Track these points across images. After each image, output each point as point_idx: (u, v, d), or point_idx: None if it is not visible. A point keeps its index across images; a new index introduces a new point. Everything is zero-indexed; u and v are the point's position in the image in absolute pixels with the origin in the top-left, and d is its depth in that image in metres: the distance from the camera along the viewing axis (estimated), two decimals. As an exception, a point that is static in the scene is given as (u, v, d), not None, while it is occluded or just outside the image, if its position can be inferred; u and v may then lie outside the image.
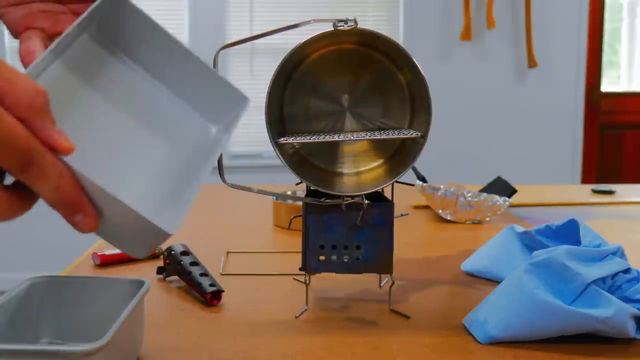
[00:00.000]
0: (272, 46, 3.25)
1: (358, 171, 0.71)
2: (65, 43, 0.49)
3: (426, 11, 3.33)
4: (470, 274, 0.85)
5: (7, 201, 0.39)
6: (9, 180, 0.39)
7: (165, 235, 0.43)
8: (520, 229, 0.83)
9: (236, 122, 0.56)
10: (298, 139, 0.65)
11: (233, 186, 0.64)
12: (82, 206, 0.41)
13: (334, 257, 0.68)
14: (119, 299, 0.59)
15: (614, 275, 0.64)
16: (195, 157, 0.56)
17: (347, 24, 0.63)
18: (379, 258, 0.68)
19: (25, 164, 0.37)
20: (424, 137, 0.65)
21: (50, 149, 0.38)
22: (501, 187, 1.36)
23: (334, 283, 0.81)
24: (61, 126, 0.39)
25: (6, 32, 3.08)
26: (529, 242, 0.81)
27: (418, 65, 0.64)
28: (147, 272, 0.85)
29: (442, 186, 1.20)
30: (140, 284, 0.58)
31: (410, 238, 1.07)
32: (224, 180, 0.64)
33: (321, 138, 0.65)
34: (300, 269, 0.69)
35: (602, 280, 0.63)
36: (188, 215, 1.37)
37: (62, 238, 3.31)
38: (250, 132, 3.34)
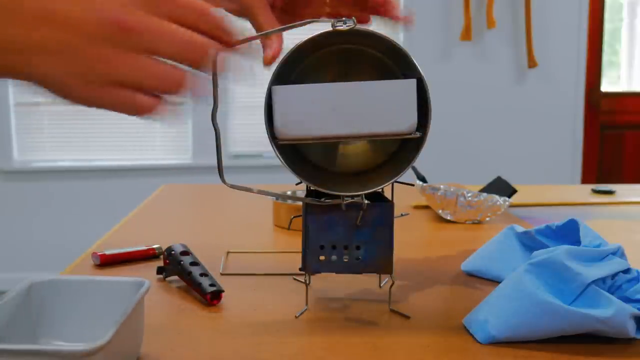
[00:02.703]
0: (272, 46, 3.24)
1: (358, 171, 0.71)
2: None
3: (426, 11, 3.33)
4: (470, 274, 0.85)
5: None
6: None
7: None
8: (520, 229, 0.83)
9: None
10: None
11: (233, 186, 0.64)
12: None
13: (334, 257, 0.68)
14: (119, 299, 0.59)
15: (614, 275, 0.64)
16: None
17: (345, 23, 0.63)
18: (379, 258, 0.68)
19: None
20: (423, 137, 0.65)
21: None
22: (501, 187, 1.36)
23: (334, 283, 0.81)
24: None
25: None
26: (529, 242, 0.81)
27: (417, 66, 0.64)
28: (147, 272, 0.85)
29: (442, 186, 1.20)
30: (140, 284, 0.58)
31: (410, 238, 1.07)
32: (223, 180, 0.63)
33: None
34: (300, 269, 0.69)
35: (602, 280, 0.63)
36: (188, 215, 1.36)
37: (62, 238, 3.33)
38: (250, 132, 3.34)
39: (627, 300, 0.63)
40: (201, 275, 0.75)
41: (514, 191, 1.36)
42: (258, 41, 0.69)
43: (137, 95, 0.48)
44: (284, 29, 0.64)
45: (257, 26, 0.71)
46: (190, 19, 0.48)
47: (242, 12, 0.71)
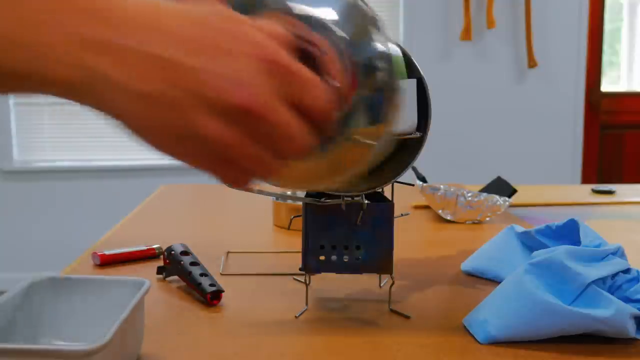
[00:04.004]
0: (272, 46, 3.24)
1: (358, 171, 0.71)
2: None
3: (426, 11, 3.33)
4: (470, 274, 0.85)
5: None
6: None
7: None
8: (520, 229, 0.83)
9: None
10: None
11: (232, 186, 0.64)
12: None
13: (334, 257, 0.68)
14: (119, 299, 0.59)
15: (614, 275, 0.64)
16: None
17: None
18: (379, 258, 0.68)
19: None
20: (423, 137, 0.65)
21: None
22: (501, 187, 1.36)
23: (334, 283, 0.81)
24: None
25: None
26: (529, 242, 0.81)
27: (417, 65, 0.64)
28: (147, 272, 0.85)
29: (442, 186, 1.20)
30: (140, 284, 0.58)
31: (410, 238, 1.07)
32: (224, 180, 0.63)
33: None
34: (300, 269, 0.69)
35: (602, 280, 0.63)
36: (188, 215, 1.36)
37: (62, 238, 3.33)
38: (250, 132, 3.34)
39: (627, 300, 0.63)
40: (201, 275, 0.75)
41: (514, 191, 1.36)
42: None
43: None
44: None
45: None
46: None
47: None
